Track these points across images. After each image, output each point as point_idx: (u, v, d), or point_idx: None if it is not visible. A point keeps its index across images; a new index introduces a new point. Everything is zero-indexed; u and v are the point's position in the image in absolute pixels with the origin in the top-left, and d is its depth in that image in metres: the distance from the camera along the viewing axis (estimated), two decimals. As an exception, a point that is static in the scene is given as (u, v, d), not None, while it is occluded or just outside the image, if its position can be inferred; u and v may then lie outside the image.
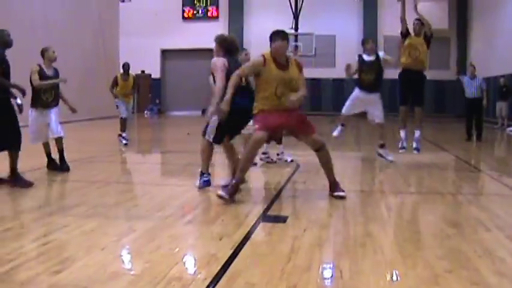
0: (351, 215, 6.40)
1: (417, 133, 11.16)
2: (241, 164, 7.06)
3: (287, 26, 27.21)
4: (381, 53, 11.16)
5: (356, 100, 11.06)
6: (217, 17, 30.99)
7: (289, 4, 27.49)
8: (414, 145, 11.20)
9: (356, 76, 11.11)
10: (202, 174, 7.79)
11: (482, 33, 27.65)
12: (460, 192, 8.18)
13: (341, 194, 7.20)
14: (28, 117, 9.09)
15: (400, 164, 10.66)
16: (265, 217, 6.10)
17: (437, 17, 27.72)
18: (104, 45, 27.62)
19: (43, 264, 4.37)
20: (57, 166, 9.18)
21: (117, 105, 14.82)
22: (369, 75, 10.80)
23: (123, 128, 14.59)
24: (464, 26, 28.97)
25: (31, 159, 9.71)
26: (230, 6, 30.95)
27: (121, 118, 14.65)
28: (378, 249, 4.92)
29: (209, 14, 31.09)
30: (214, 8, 31.34)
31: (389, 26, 29.09)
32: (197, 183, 7.77)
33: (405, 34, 11.05)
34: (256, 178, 9.55)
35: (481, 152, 14.72)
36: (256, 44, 29.83)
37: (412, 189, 8.08)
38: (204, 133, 7.64)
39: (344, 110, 11.28)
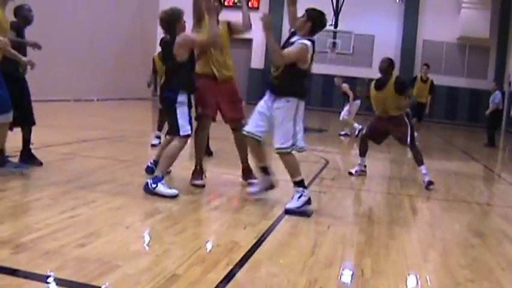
0: (376, 216, 6.39)
1: None
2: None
3: (327, 22, 27.10)
4: None
5: None
6: (257, 7, 30.86)
7: (330, 0, 27.35)
8: None
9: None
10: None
11: (524, 45, 27.35)
12: (487, 202, 8.12)
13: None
14: None
15: (428, 170, 10.58)
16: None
17: (479, 25, 27.40)
18: (142, 28, 27.64)
19: (69, 236, 4.44)
20: None
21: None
22: None
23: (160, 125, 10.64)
24: (505, 36, 28.53)
25: (62, 136, 9.84)
26: (271, -3, 30.87)
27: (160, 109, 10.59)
28: (400, 252, 4.91)
29: (250, 3, 30.99)
30: (255, -3, 31.26)
31: (429, 30, 28.85)
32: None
33: None
34: (285, 172, 9.56)
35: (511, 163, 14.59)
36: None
37: (439, 196, 8.02)
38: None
39: None
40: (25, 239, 4.23)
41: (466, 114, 28.18)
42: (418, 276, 4.31)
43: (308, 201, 6.12)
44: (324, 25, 6.56)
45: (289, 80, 6.12)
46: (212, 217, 5.72)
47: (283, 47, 6.22)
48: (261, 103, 6.31)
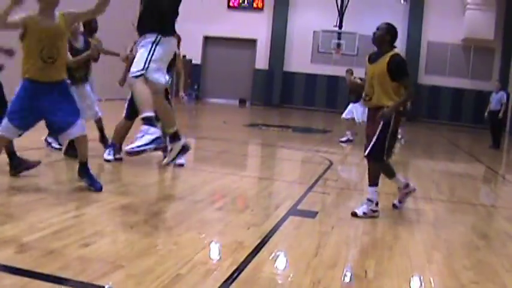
0: (380, 217, 6.36)
1: None
2: None
3: (331, 23, 27.11)
4: None
5: None
6: (262, 8, 30.83)
7: (335, 1, 27.38)
8: None
9: None
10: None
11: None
12: (492, 204, 8.10)
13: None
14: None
15: (433, 171, 10.57)
16: (295, 211, 6.10)
17: (484, 26, 27.35)
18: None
19: (72, 236, 4.44)
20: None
21: None
22: None
23: None
24: (510, 38, 28.44)
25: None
26: (276, -2, 30.90)
27: None
28: (404, 253, 4.90)
29: (254, 4, 30.99)
30: (260, -1, 31.30)
31: (434, 32, 28.81)
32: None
33: None
34: (289, 173, 9.56)
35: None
36: (300, 37, 29.82)
37: (444, 197, 8.01)
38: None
39: None
40: (29, 239, 4.23)
41: (470, 116, 28.12)
42: (421, 278, 4.30)
43: (155, 141, 5.50)
44: None
45: (146, 17, 5.76)
46: (216, 217, 5.71)
47: None
48: None
